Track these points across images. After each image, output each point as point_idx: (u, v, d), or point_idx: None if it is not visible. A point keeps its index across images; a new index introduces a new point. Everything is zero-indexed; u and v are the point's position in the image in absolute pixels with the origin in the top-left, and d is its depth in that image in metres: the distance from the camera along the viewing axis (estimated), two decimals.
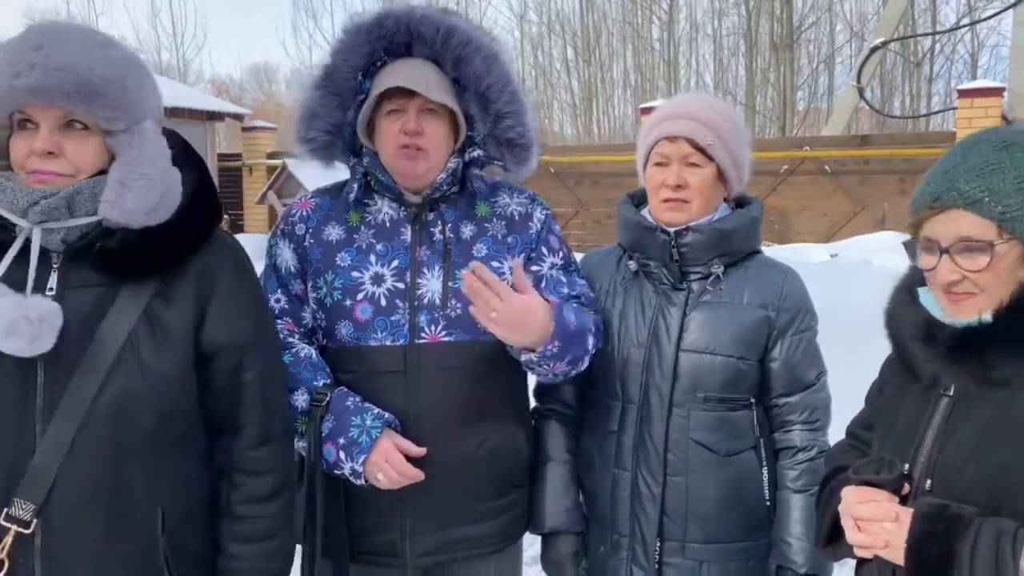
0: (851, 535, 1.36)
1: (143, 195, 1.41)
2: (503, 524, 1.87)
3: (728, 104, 2.05)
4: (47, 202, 1.37)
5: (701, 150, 1.85)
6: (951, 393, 1.37)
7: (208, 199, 1.54)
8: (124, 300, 1.41)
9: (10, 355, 1.33)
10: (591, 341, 1.80)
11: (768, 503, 1.86)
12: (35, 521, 1.35)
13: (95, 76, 1.36)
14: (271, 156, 14.59)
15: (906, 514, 1.30)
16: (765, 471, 1.86)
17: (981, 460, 1.29)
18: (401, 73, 1.78)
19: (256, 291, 1.63)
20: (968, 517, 1.24)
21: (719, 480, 1.83)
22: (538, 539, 2.02)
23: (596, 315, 1.89)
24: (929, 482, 1.34)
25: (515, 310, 1.65)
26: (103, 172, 1.43)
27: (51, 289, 1.39)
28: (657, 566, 1.85)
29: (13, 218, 1.37)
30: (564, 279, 1.88)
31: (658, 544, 1.84)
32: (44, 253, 1.39)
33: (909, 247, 1.40)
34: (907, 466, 1.37)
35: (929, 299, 1.39)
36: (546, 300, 1.72)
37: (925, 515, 1.28)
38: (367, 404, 1.74)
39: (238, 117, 15.75)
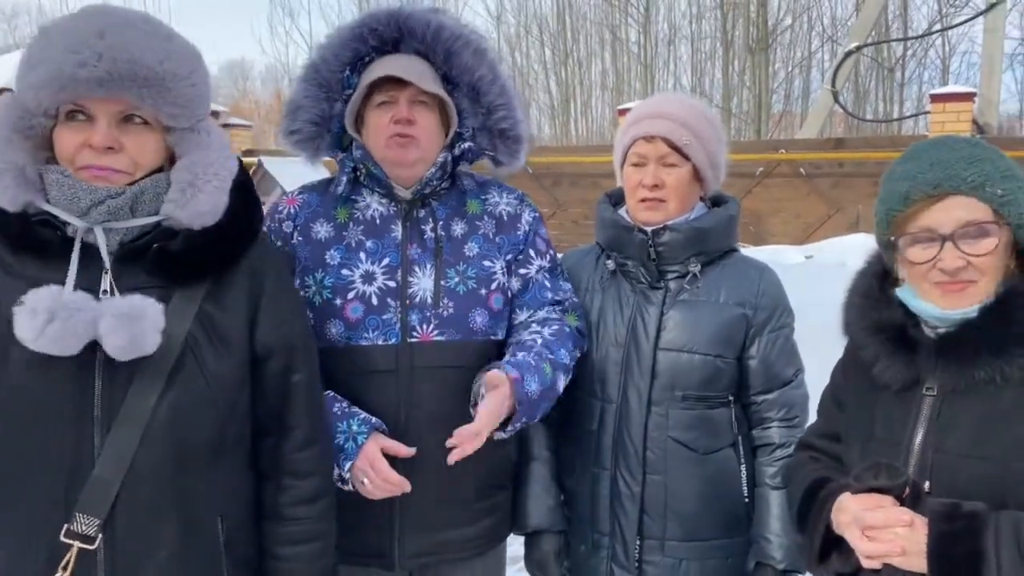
0: (861, 545, 1.31)
1: (215, 197, 1.37)
2: (489, 526, 1.86)
3: (705, 104, 2.06)
4: (113, 202, 1.31)
5: (678, 149, 1.86)
6: (935, 392, 1.36)
7: (251, 198, 1.49)
8: (178, 303, 1.35)
9: (63, 361, 1.26)
10: (561, 381, 1.77)
11: (747, 500, 1.87)
12: (99, 536, 1.29)
13: (164, 70, 1.30)
14: (246, 154, 14.48)
15: (920, 518, 1.27)
16: (744, 468, 1.87)
17: (980, 456, 1.29)
18: (392, 64, 1.77)
19: (297, 291, 1.61)
20: (984, 512, 1.23)
21: (698, 478, 1.83)
22: (520, 539, 2.01)
23: (578, 321, 1.88)
24: (928, 483, 1.32)
25: (490, 423, 1.64)
26: (158, 170, 1.38)
27: (105, 292, 1.32)
28: (637, 564, 1.85)
29: (69, 217, 1.30)
30: (549, 284, 1.87)
31: (638, 542, 1.85)
32: (95, 254, 1.32)
33: (893, 245, 1.38)
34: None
35: (909, 296, 1.37)
36: (508, 376, 1.66)
37: (941, 515, 1.25)
38: (354, 409, 1.70)
39: (213, 114, 15.60)
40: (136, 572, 1.32)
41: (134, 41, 1.29)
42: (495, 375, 1.66)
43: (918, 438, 1.36)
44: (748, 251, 2.04)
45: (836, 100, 13.54)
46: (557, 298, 1.87)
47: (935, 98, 10.92)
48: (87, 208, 1.30)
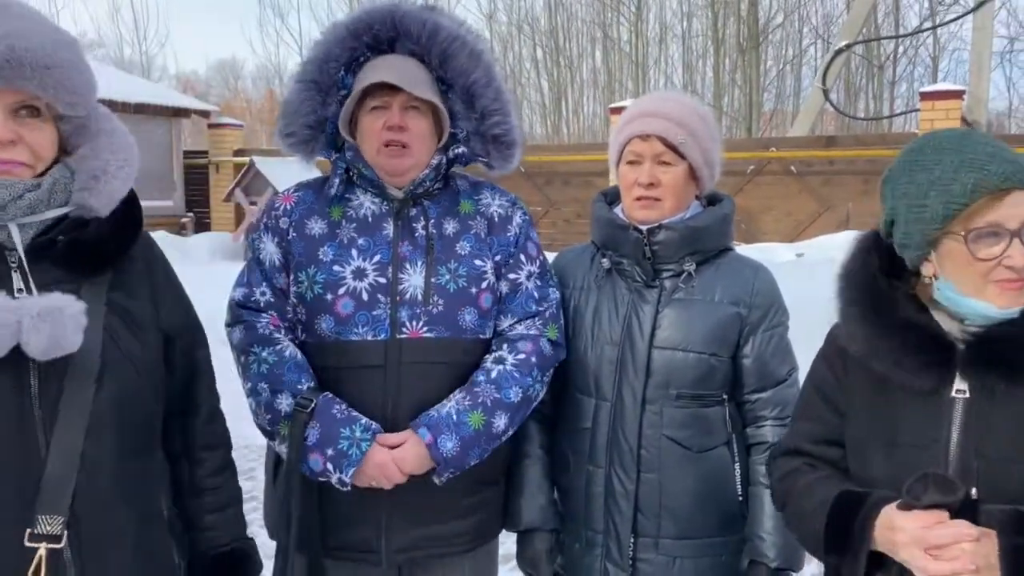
0: (928, 565, 1.22)
1: (127, 183, 1.37)
2: (477, 522, 1.87)
3: (700, 102, 2.06)
4: (33, 195, 1.28)
5: (673, 148, 1.86)
6: (967, 394, 1.30)
7: (131, 188, 1.48)
8: (87, 296, 1.32)
9: (4, 368, 1.23)
10: (502, 421, 1.76)
11: (741, 499, 1.87)
12: (64, 534, 1.26)
13: (60, 58, 1.27)
14: (238, 153, 14.42)
15: (986, 532, 1.21)
16: (738, 467, 1.87)
17: None
18: (385, 69, 1.77)
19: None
20: None
21: (692, 476, 1.84)
22: (512, 537, 2.02)
23: (557, 333, 1.87)
24: (974, 490, 1.26)
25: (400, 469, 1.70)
26: (55, 162, 1.34)
27: (20, 291, 1.28)
28: (631, 562, 1.85)
29: None
30: (536, 293, 1.88)
31: (632, 540, 1.85)
32: (1, 252, 1.28)
33: (935, 241, 1.30)
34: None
35: (952, 294, 1.30)
36: (421, 439, 1.70)
37: (1011, 526, 1.19)
38: (353, 413, 1.72)
39: (204, 114, 15.53)
40: (104, 565, 1.32)
41: (28, 30, 1.26)
42: (404, 434, 1.72)
43: (953, 443, 1.30)
44: (739, 249, 2.03)
45: (827, 98, 13.58)
46: (541, 308, 1.87)
47: (924, 96, 10.95)
48: (4, 204, 1.25)
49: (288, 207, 1.87)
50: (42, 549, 1.25)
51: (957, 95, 10.75)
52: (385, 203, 1.84)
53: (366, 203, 1.85)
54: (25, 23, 1.27)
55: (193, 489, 1.53)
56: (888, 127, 18.84)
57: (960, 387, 1.31)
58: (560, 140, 24.24)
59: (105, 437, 1.32)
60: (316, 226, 1.83)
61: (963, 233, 1.28)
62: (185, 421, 1.53)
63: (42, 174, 1.32)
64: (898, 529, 1.25)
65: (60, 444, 1.27)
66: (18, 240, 1.28)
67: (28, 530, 1.25)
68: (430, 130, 1.82)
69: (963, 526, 1.21)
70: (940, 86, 11.50)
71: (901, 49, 22.44)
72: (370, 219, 1.83)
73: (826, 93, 13.40)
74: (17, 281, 1.28)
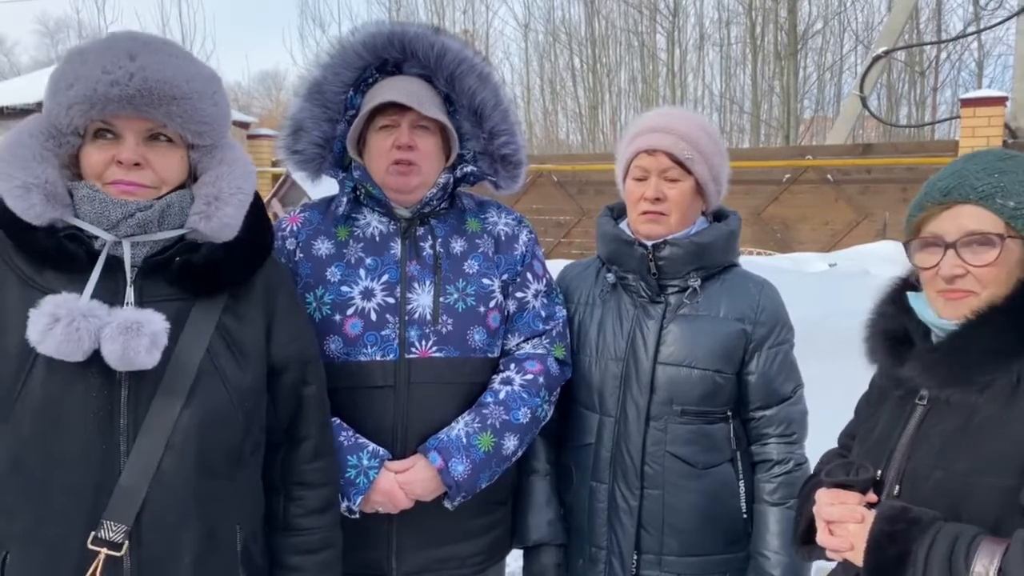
0: (821, 537, 1.39)
1: (239, 210, 1.43)
2: (488, 543, 1.87)
3: (706, 118, 2.06)
4: (143, 215, 1.36)
5: (680, 164, 1.86)
6: (925, 402, 1.38)
7: (264, 214, 1.55)
8: (197, 315, 1.40)
9: (96, 372, 1.31)
10: (511, 442, 1.77)
11: (745, 516, 1.86)
12: (126, 543, 1.31)
13: (191, 89, 1.37)
14: (275, 164, 14.64)
15: (872, 516, 1.32)
16: (742, 484, 1.86)
17: (945, 467, 1.31)
18: (394, 88, 1.79)
19: (305, 307, 1.69)
20: (927, 520, 1.26)
21: (696, 493, 1.83)
22: (519, 551, 2.02)
23: (564, 351, 1.88)
24: (898, 488, 1.37)
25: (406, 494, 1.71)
26: (181, 186, 1.43)
27: (129, 303, 1.36)
28: None
29: (98, 231, 1.34)
30: (544, 312, 1.89)
31: (635, 557, 1.85)
32: (119, 267, 1.36)
33: (908, 248, 1.42)
34: (879, 471, 1.39)
35: (921, 303, 1.40)
36: (431, 463, 1.71)
37: (887, 516, 1.30)
38: (360, 440, 1.73)
39: (243, 125, 15.81)
40: None
41: (164, 62, 1.36)
42: (413, 459, 1.72)
43: (902, 444, 1.39)
44: (773, 258, 2.03)
45: (864, 105, 13.38)
46: (548, 327, 1.88)
47: (965, 102, 10.71)
48: (117, 221, 1.35)
49: (294, 228, 1.87)
50: (102, 554, 1.29)
51: (999, 101, 10.51)
52: (392, 222, 1.85)
53: (373, 222, 1.85)
54: (161, 57, 1.37)
55: (284, 526, 1.53)
56: (931, 135, 18.48)
57: (922, 395, 1.40)
58: (595, 149, 24.20)
59: (185, 456, 1.35)
60: (323, 246, 1.84)
61: (904, 242, 1.41)
62: (286, 455, 1.54)
63: (167, 195, 1.41)
64: (817, 500, 1.43)
65: (139, 455, 1.32)
66: (127, 255, 1.36)
67: (93, 533, 1.30)
68: (438, 149, 1.83)
69: (854, 510, 1.35)
70: (981, 92, 11.22)
71: (944, 55, 22.03)
72: (377, 238, 1.83)
73: (864, 100, 13.19)
74: (129, 295, 1.36)
